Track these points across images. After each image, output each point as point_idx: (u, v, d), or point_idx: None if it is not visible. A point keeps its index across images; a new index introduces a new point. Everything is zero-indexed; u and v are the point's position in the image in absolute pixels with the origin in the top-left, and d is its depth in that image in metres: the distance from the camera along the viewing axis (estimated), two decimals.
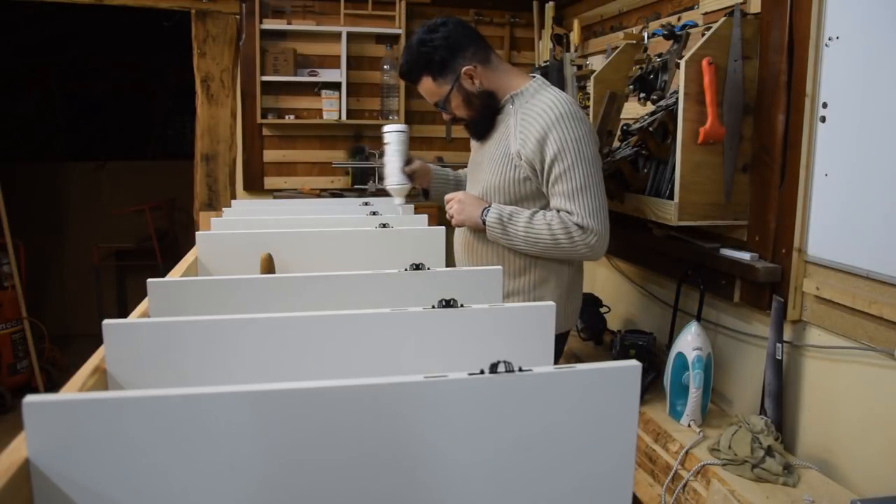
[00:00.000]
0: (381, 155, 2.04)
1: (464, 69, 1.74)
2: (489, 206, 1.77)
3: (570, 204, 1.68)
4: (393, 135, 1.95)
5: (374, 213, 1.87)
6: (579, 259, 1.81)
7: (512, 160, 1.74)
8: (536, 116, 1.70)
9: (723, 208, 1.91)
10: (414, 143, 3.55)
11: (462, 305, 1.02)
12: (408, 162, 1.96)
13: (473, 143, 1.96)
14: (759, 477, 1.56)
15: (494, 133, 1.83)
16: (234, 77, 3.35)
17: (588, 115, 2.52)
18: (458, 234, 1.93)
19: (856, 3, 1.61)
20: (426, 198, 2.11)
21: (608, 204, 1.75)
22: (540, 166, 1.71)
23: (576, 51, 2.94)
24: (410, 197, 2.02)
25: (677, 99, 1.88)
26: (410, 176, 1.97)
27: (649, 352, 2.15)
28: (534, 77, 1.81)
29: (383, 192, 2.24)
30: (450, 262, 2.01)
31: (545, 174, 1.71)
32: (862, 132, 1.60)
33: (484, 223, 1.76)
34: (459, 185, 2.10)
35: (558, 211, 1.70)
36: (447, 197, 1.88)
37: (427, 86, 1.80)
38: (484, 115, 1.81)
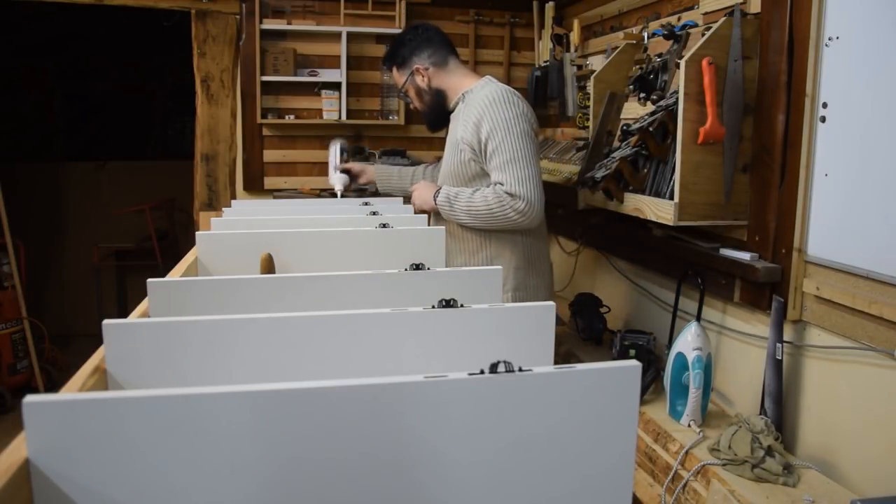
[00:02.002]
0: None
1: (415, 66, 2.13)
2: (440, 189, 2.04)
3: (502, 175, 1.92)
4: (330, 147, 2.57)
5: (374, 213, 1.87)
6: (514, 226, 1.97)
7: (458, 145, 2.02)
8: (475, 105, 1.99)
9: (723, 208, 1.91)
10: (414, 142, 3.56)
11: (462, 305, 1.02)
12: (345, 161, 2.52)
13: None
14: (759, 477, 1.56)
15: (451, 127, 2.15)
16: (234, 77, 3.35)
17: (588, 114, 2.52)
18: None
19: (856, 3, 1.61)
20: (376, 191, 2.53)
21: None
22: (478, 146, 1.98)
23: (576, 51, 2.94)
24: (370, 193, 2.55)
25: (677, 99, 1.88)
26: (347, 172, 2.48)
27: (649, 352, 2.15)
28: (485, 77, 2.13)
29: (383, 192, 2.40)
30: (450, 261, 2.01)
31: (483, 154, 1.98)
32: (862, 132, 1.60)
33: (437, 204, 2.03)
34: (403, 178, 2.46)
35: (495, 185, 1.94)
36: (411, 188, 2.21)
37: (394, 73, 2.21)
38: (433, 109, 2.18)
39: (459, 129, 2.03)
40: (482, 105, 1.96)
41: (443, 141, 3.65)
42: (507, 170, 1.91)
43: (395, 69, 2.19)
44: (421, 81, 2.14)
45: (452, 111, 2.16)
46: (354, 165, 2.53)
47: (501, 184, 1.92)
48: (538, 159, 2.00)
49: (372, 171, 2.51)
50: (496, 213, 1.92)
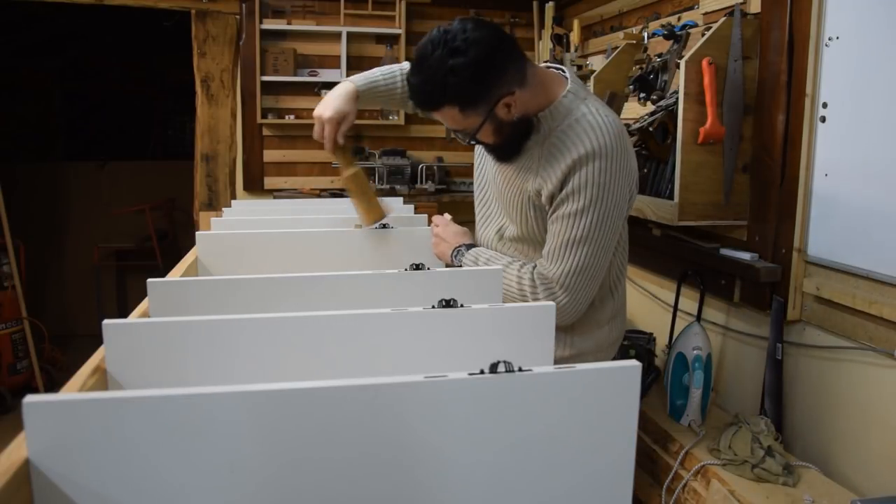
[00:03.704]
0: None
1: (502, 100, 1.34)
2: (462, 248, 1.52)
3: (558, 259, 1.39)
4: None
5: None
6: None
7: (531, 199, 1.43)
8: (570, 146, 1.35)
9: (723, 208, 1.91)
10: (414, 143, 3.57)
11: (462, 305, 1.02)
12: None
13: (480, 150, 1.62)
14: (759, 477, 1.56)
15: (515, 160, 1.47)
16: (234, 77, 3.35)
17: None
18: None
19: (856, 3, 1.61)
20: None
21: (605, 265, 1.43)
22: (550, 201, 1.41)
23: (576, 51, 2.94)
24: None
25: (677, 99, 1.88)
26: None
27: (649, 352, 2.15)
28: (565, 83, 1.43)
29: (383, 193, 2.25)
30: None
31: (549, 207, 1.41)
32: (862, 132, 1.60)
33: (459, 265, 1.51)
34: (393, 97, 1.71)
35: (536, 268, 1.42)
36: (434, 220, 1.63)
37: (450, 115, 1.37)
38: (513, 141, 1.44)
39: (535, 178, 1.41)
40: (582, 151, 1.33)
41: (443, 140, 3.68)
42: (568, 255, 1.37)
43: (456, 111, 1.35)
44: (506, 115, 1.36)
45: None
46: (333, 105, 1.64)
47: (545, 276, 1.39)
48: (616, 239, 1.43)
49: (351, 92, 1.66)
50: (527, 298, 1.40)
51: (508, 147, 1.46)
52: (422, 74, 1.34)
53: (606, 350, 1.55)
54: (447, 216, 1.65)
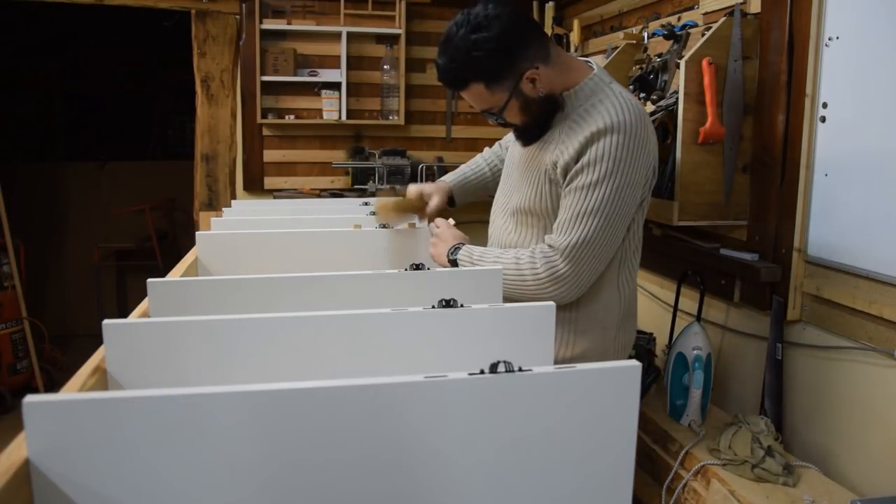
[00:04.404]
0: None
1: (526, 73, 1.39)
2: (460, 246, 1.51)
3: (566, 230, 1.37)
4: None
5: (374, 213, 1.86)
6: (545, 296, 1.37)
7: (547, 172, 1.45)
8: (589, 120, 1.38)
9: (723, 208, 1.91)
10: (414, 143, 3.56)
11: (462, 305, 1.02)
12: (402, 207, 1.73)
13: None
14: (759, 477, 1.56)
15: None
16: (234, 77, 3.35)
17: None
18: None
19: (856, 4, 1.61)
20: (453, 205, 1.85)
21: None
22: (565, 176, 1.41)
23: (576, 51, 2.94)
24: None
25: (677, 99, 1.88)
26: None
27: (649, 352, 2.15)
28: (592, 69, 1.48)
29: (383, 193, 2.25)
30: None
31: (567, 177, 1.41)
32: (862, 132, 1.60)
33: (453, 263, 1.50)
34: (485, 183, 1.85)
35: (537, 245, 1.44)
36: (437, 221, 1.65)
37: (477, 93, 1.42)
38: (541, 121, 1.47)
39: (554, 150, 1.43)
40: (601, 125, 1.35)
41: (443, 140, 3.68)
42: (578, 226, 1.36)
43: (483, 87, 1.40)
44: (531, 91, 1.41)
45: None
46: (424, 187, 1.76)
47: (548, 246, 1.39)
48: (628, 220, 1.42)
49: (444, 187, 1.77)
50: (525, 275, 1.39)
51: (537, 127, 1.49)
52: (448, 53, 1.40)
53: (612, 357, 1.52)
54: (451, 220, 1.67)
